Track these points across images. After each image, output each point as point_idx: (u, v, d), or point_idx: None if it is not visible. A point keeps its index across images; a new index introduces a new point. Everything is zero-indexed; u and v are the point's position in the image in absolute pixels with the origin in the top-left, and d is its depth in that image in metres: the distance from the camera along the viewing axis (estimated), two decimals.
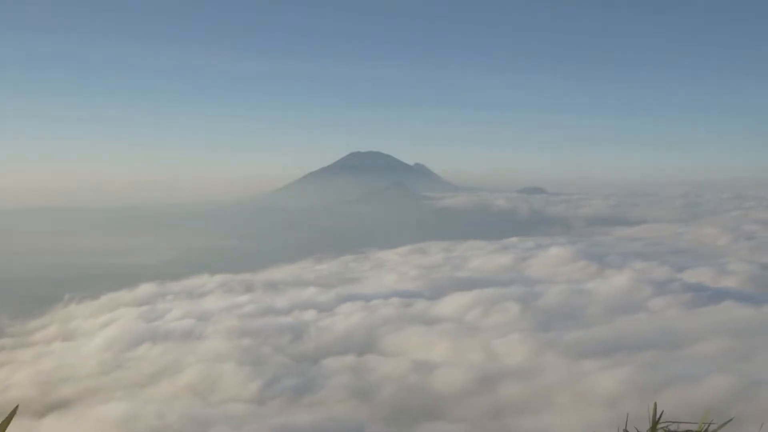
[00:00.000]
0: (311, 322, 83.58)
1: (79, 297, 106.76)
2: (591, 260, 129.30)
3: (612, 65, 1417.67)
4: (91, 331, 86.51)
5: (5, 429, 3.90)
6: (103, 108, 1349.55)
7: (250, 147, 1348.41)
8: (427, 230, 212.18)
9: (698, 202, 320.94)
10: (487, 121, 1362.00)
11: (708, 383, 54.95)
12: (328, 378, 63.58)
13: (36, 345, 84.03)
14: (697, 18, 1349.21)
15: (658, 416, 5.13)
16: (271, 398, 60.08)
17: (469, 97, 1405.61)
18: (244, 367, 66.34)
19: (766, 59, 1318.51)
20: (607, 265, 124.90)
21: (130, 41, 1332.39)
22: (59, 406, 60.39)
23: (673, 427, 4.92)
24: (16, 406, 4.61)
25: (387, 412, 56.57)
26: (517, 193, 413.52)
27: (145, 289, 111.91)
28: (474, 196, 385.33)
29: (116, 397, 61.10)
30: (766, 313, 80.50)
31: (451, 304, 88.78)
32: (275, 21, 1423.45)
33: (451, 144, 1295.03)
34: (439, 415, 55.88)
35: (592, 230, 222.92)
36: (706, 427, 5.09)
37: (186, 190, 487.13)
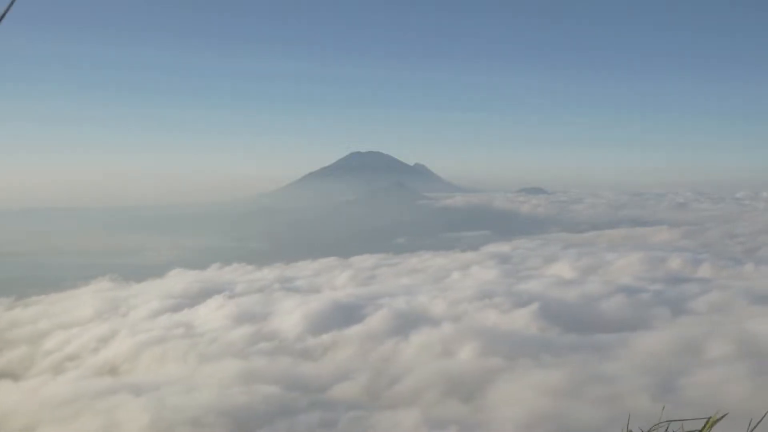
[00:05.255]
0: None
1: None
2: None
3: (613, 65, 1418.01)
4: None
5: None
6: (104, 108, 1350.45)
7: (250, 147, 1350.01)
8: (427, 230, 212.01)
9: (700, 203, 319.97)
10: (487, 121, 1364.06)
11: None
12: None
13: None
14: (696, 17, 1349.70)
15: (660, 416, 5.09)
16: None
17: (469, 97, 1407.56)
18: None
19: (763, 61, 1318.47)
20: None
21: (130, 41, 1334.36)
22: None
23: (675, 426, 4.87)
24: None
25: None
26: (517, 193, 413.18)
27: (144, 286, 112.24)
28: (474, 196, 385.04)
29: None
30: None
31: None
32: (275, 21, 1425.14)
33: (451, 144, 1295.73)
34: None
35: (587, 235, 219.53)
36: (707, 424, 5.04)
37: (186, 190, 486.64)
